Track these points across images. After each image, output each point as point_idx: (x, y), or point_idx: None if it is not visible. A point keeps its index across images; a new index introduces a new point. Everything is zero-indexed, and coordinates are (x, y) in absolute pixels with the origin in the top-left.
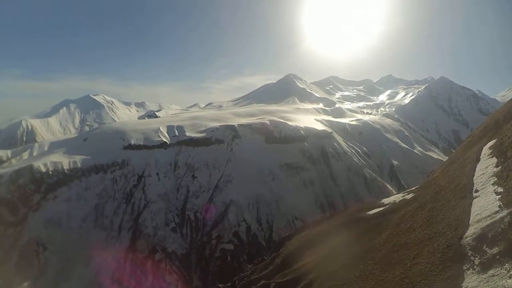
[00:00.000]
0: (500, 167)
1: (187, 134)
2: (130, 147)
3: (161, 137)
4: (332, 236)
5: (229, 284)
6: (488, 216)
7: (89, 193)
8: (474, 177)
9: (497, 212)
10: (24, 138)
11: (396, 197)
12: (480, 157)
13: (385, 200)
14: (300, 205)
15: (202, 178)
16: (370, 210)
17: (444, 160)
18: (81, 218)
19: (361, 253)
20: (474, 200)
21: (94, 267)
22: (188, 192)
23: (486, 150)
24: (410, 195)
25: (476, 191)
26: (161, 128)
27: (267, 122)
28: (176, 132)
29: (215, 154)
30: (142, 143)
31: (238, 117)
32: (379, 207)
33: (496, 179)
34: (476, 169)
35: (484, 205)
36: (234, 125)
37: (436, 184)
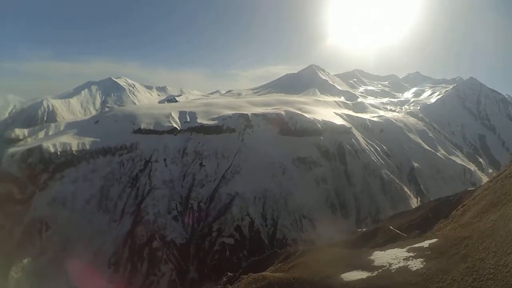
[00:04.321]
0: None
1: (199, 120)
2: (139, 131)
3: (172, 122)
4: None
5: None
6: None
7: (95, 175)
8: None
9: None
10: (45, 118)
11: (396, 257)
12: None
13: (377, 258)
14: (310, 203)
15: (210, 167)
16: (349, 270)
17: (469, 167)
18: (86, 200)
19: None
20: None
21: (93, 249)
22: (194, 181)
23: None
24: (418, 263)
25: None
26: (172, 114)
27: (283, 112)
28: (188, 118)
29: (225, 143)
30: (152, 128)
31: (254, 106)
32: (364, 270)
33: None
34: None
35: None
36: (247, 114)
37: (471, 258)
